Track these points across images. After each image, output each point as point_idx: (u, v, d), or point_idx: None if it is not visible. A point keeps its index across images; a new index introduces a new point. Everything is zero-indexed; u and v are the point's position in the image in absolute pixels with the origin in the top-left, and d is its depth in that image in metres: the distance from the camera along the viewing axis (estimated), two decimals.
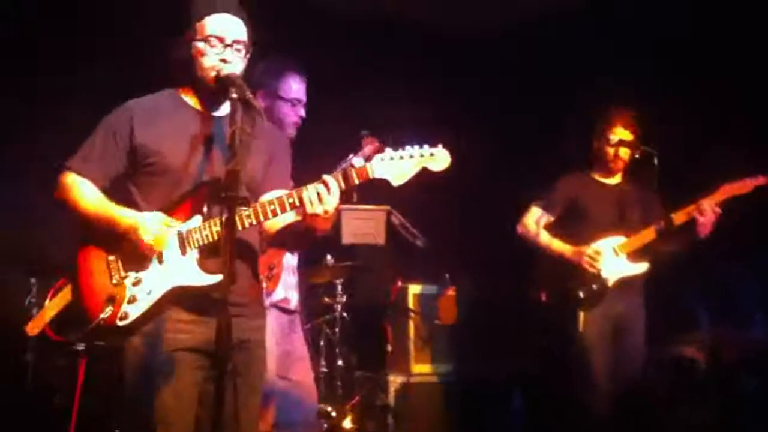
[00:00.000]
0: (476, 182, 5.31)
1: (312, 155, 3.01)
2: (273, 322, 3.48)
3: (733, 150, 4.27)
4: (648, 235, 4.08)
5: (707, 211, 3.95)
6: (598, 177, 4.33)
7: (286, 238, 2.69)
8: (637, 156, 4.16)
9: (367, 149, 3.52)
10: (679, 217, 4.01)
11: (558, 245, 4.20)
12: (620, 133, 4.20)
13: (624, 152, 4.21)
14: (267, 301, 3.43)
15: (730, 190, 4.00)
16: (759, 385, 4.45)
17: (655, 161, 4.05)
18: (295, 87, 3.50)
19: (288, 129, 3.49)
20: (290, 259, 3.67)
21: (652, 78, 4.97)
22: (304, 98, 3.53)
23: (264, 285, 3.30)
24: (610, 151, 4.21)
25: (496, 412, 5.10)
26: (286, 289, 3.61)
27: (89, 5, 4.72)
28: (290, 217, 2.60)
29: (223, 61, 2.51)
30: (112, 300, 2.46)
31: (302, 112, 3.53)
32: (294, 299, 3.67)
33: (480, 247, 5.67)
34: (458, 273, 5.39)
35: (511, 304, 5.07)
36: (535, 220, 4.29)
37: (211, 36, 2.53)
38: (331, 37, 5.33)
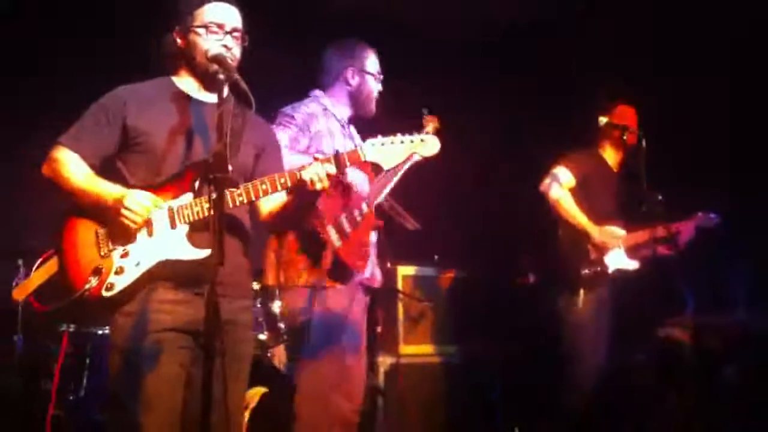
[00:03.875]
0: (467, 165, 5.30)
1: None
2: (361, 300, 3.46)
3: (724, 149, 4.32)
4: (642, 236, 4.19)
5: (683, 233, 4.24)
6: (606, 158, 4.41)
7: (280, 219, 2.72)
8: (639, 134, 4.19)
9: (430, 127, 3.49)
10: (661, 231, 4.09)
11: (583, 220, 4.22)
12: (624, 111, 4.32)
13: (631, 130, 4.21)
14: (357, 279, 3.42)
15: (698, 221, 4.29)
16: (739, 371, 4.48)
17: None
18: (376, 61, 3.56)
19: (372, 104, 3.56)
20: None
21: (652, 78, 5.00)
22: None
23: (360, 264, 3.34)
24: (617, 129, 4.24)
25: (485, 393, 5.11)
26: (372, 265, 3.55)
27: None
28: (281, 199, 2.66)
29: (225, 47, 2.55)
30: (98, 271, 2.45)
31: (380, 87, 3.57)
32: (378, 275, 3.59)
33: (467, 229, 5.67)
34: (446, 255, 5.39)
35: (500, 285, 5.07)
36: (566, 183, 4.26)
37: (211, 22, 2.57)
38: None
